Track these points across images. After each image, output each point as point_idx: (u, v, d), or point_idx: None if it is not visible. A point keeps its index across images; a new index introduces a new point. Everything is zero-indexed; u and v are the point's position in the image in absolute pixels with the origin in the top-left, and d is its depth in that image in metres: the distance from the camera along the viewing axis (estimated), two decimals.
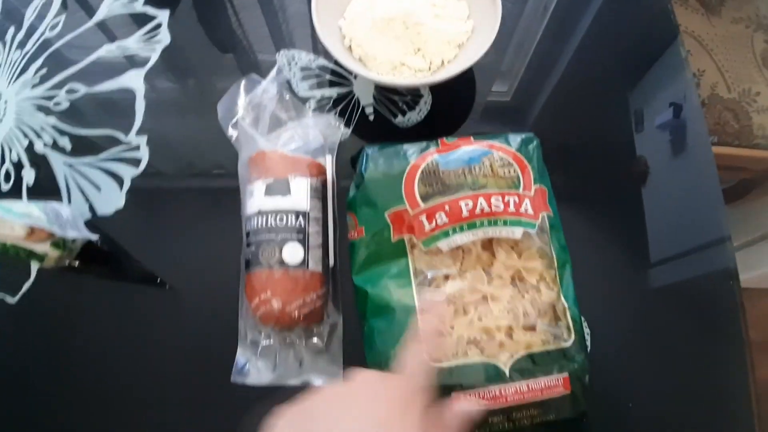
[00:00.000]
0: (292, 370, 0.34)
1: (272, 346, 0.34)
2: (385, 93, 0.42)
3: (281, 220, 0.33)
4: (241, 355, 0.34)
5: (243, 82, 0.38)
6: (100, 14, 0.47)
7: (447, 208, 0.32)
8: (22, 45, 0.47)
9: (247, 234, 0.34)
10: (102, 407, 0.35)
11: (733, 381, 0.35)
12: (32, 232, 0.34)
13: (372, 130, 0.41)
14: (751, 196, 0.87)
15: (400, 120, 0.41)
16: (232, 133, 0.38)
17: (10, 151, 0.43)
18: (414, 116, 0.41)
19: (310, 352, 0.34)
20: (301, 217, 0.33)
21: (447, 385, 0.30)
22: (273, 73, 0.37)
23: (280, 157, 0.34)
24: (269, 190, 0.33)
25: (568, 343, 0.32)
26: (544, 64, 0.44)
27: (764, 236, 0.86)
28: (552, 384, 0.31)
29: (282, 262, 0.32)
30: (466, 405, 0.26)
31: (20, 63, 0.46)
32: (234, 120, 0.38)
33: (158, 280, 0.38)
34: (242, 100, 0.38)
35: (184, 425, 0.34)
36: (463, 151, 0.34)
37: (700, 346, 0.36)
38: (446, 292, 0.32)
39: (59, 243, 0.36)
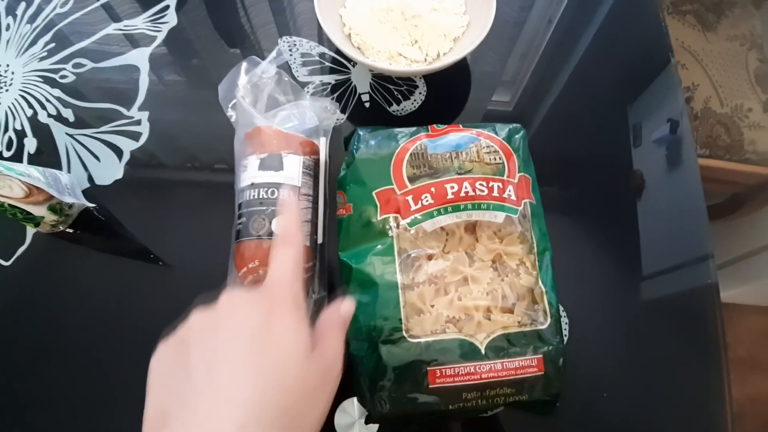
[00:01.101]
0: None
1: None
2: (381, 82, 0.43)
3: (272, 193, 0.34)
4: None
5: (244, 64, 0.40)
6: None
7: (433, 190, 0.34)
8: (32, 19, 0.48)
9: (239, 206, 0.35)
10: (87, 374, 0.36)
11: (710, 391, 0.36)
12: (30, 193, 0.35)
13: (367, 117, 0.42)
14: (742, 211, 0.88)
15: (394, 108, 0.43)
16: (231, 113, 0.39)
17: (14, 119, 0.44)
18: (408, 105, 0.43)
19: None
20: (293, 192, 0.34)
21: (423, 360, 0.31)
22: (273, 54, 0.39)
23: (275, 133, 0.35)
24: (263, 165, 0.34)
25: (544, 326, 0.33)
26: (546, 75, 0.46)
27: (753, 252, 0.87)
28: (526, 364, 0.32)
29: (271, 234, 0.33)
30: (348, 306, 0.26)
31: (29, 36, 0.48)
32: (234, 101, 0.39)
33: (150, 255, 0.39)
34: (242, 81, 0.39)
35: None
36: (451, 136, 0.36)
37: (678, 355, 0.37)
38: (428, 271, 0.33)
39: (56, 207, 0.37)
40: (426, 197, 0.33)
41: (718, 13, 0.75)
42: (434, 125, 0.37)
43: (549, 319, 0.33)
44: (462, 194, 0.33)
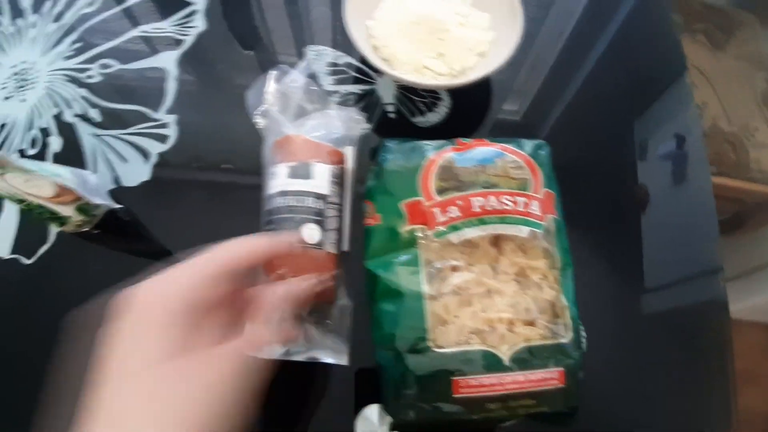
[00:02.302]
0: (300, 346, 0.35)
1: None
2: (406, 93, 0.44)
3: (301, 201, 0.34)
4: None
5: (273, 72, 0.40)
6: None
7: (459, 202, 0.34)
8: (58, 18, 0.49)
9: (268, 212, 0.35)
10: None
11: (716, 405, 0.37)
12: (59, 193, 0.35)
13: (391, 128, 0.43)
14: (745, 228, 0.90)
15: (419, 120, 0.43)
16: (259, 120, 0.40)
17: (40, 117, 0.45)
18: (432, 118, 0.43)
19: (319, 330, 0.35)
20: (320, 200, 0.35)
21: (448, 370, 0.31)
22: (303, 63, 0.39)
23: (304, 142, 0.36)
24: (292, 173, 0.35)
25: (565, 340, 0.33)
26: (556, 86, 0.47)
27: (755, 268, 0.88)
28: (548, 376, 0.32)
29: (302, 241, 0.33)
30: (296, 286, 0.24)
31: (55, 35, 0.48)
32: (262, 108, 0.40)
33: (174, 258, 0.39)
34: (271, 89, 0.40)
35: None
36: (478, 151, 0.36)
37: (685, 371, 0.38)
38: (453, 282, 0.34)
39: (84, 208, 0.37)
40: (453, 210, 0.34)
41: (728, 33, 0.76)
42: (460, 139, 0.37)
43: (570, 333, 0.33)
44: (488, 208, 0.34)
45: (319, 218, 0.34)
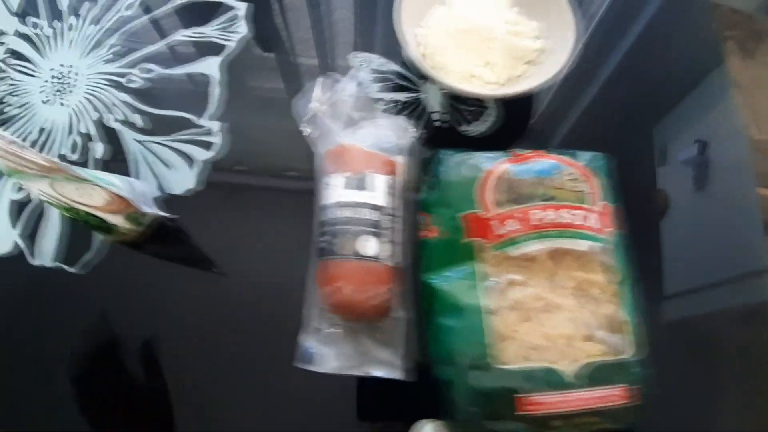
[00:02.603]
0: (355, 360, 0.34)
1: (337, 335, 0.35)
2: (452, 102, 0.44)
3: (358, 213, 0.34)
4: (306, 342, 0.34)
5: (321, 80, 0.40)
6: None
7: (518, 216, 0.34)
8: (96, 21, 0.48)
9: (322, 223, 0.35)
10: (147, 381, 0.36)
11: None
12: (111, 202, 0.35)
13: (438, 136, 0.42)
14: None
15: (465, 129, 0.43)
16: (307, 127, 0.39)
17: (79, 121, 0.44)
18: (479, 127, 0.43)
19: (374, 344, 0.35)
20: (377, 212, 0.34)
21: (511, 387, 0.31)
22: (352, 71, 0.39)
23: (360, 152, 0.35)
24: (348, 184, 0.34)
25: (627, 356, 0.33)
26: (573, 90, 0.46)
27: None
28: (611, 394, 0.32)
29: (357, 254, 0.33)
30: None
31: (94, 38, 0.47)
32: (310, 115, 0.39)
33: (214, 267, 0.39)
34: (320, 96, 0.39)
35: (244, 405, 0.35)
36: (535, 162, 0.36)
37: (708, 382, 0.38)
38: (511, 297, 0.33)
39: (134, 217, 0.36)
40: (512, 223, 0.34)
41: (758, 40, 0.76)
42: (516, 150, 0.37)
43: (632, 349, 0.33)
44: (547, 221, 0.34)
45: (376, 230, 0.34)
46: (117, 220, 0.36)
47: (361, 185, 0.34)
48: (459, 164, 0.36)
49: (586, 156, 0.37)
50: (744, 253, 0.41)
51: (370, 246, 0.33)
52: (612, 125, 0.45)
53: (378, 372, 0.34)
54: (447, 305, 0.33)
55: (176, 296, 0.39)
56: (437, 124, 0.43)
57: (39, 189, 0.33)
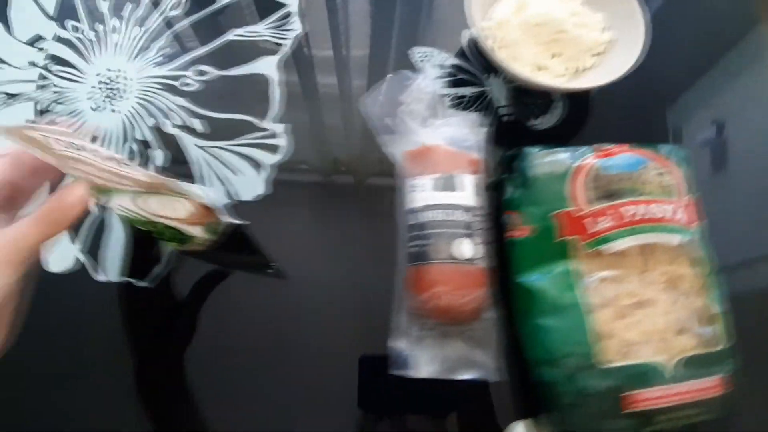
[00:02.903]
0: (451, 363, 0.34)
1: (429, 340, 0.34)
2: (518, 95, 0.43)
3: (451, 215, 0.33)
4: (400, 348, 0.34)
5: (391, 77, 0.39)
6: None
7: (611, 212, 0.33)
8: (141, 22, 0.46)
9: (412, 227, 0.34)
10: (227, 394, 0.35)
11: None
12: (194, 214, 0.34)
13: (506, 131, 0.42)
14: None
15: (533, 123, 0.42)
16: (378, 126, 0.38)
17: (134, 128, 0.43)
18: (547, 120, 0.42)
19: (466, 346, 0.35)
20: (468, 213, 0.34)
21: (617, 385, 0.31)
22: (425, 68, 0.38)
23: (445, 152, 0.34)
24: (437, 185, 0.34)
25: (720, 347, 0.33)
26: None
27: None
28: (708, 385, 0.32)
29: (454, 257, 0.32)
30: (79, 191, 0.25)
31: (140, 40, 0.46)
32: (379, 113, 0.38)
33: (280, 272, 0.38)
34: (393, 95, 0.38)
35: (340, 410, 0.35)
36: (621, 157, 0.35)
37: None
38: (606, 294, 0.33)
39: (212, 227, 0.35)
40: (604, 220, 0.33)
41: None
42: (599, 145, 0.36)
43: (724, 340, 0.33)
44: (638, 217, 0.33)
45: (469, 231, 0.33)
46: (196, 231, 0.35)
47: (450, 186, 0.34)
48: (545, 161, 0.35)
49: (665, 148, 0.37)
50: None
51: (465, 248, 0.33)
52: (625, 105, 0.44)
53: (473, 375, 0.34)
54: (546, 306, 0.33)
55: (246, 304, 0.38)
56: (505, 118, 0.42)
57: (119, 204, 0.32)
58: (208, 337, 0.37)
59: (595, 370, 0.31)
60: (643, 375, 0.31)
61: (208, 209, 0.33)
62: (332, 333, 0.36)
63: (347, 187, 0.41)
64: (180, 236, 0.35)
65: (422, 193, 0.34)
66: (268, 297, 0.38)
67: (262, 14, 0.46)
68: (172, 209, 0.33)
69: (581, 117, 0.43)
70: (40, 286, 0.33)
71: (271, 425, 0.35)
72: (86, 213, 0.29)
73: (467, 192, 0.34)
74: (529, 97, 0.43)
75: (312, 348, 0.36)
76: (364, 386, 0.35)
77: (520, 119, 0.42)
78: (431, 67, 0.38)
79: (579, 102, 0.43)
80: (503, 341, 0.34)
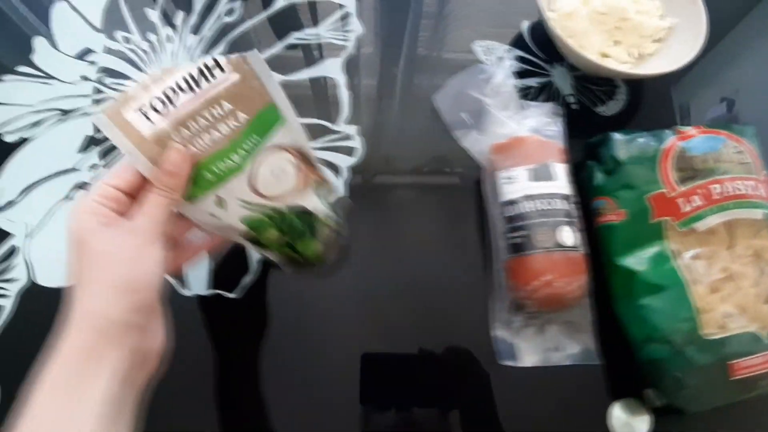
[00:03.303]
0: (553, 350, 0.35)
1: (531, 329, 0.35)
2: (583, 83, 0.44)
3: (551, 204, 0.34)
4: (503, 338, 0.35)
5: (467, 72, 0.39)
6: (281, 0, 0.46)
7: (700, 191, 0.35)
8: (196, 29, 0.45)
9: (511, 219, 0.35)
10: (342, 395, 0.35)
11: None
12: (300, 173, 0.32)
13: (575, 118, 0.42)
14: None
15: (600, 109, 0.43)
16: (452, 121, 0.39)
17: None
18: (613, 106, 0.43)
19: (567, 332, 0.36)
20: (565, 201, 0.34)
21: (723, 356, 0.32)
22: (505, 62, 0.38)
23: (537, 142, 0.35)
24: (534, 176, 0.34)
25: None
26: None
27: None
28: None
29: (560, 245, 0.33)
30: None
31: (198, 48, 0.45)
32: (453, 108, 0.39)
33: (386, 274, 0.37)
34: (466, 89, 0.39)
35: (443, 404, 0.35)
36: (700, 138, 0.37)
37: None
38: (699, 271, 0.34)
39: (322, 190, 0.34)
40: (695, 199, 0.35)
41: None
42: (678, 128, 0.37)
43: None
44: (725, 194, 0.35)
45: (570, 219, 0.34)
46: (312, 202, 0.32)
47: (547, 176, 0.34)
48: (631, 146, 0.36)
49: (737, 128, 0.38)
50: None
51: (569, 236, 0.33)
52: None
53: (576, 360, 0.35)
54: (648, 286, 0.34)
55: (337, 309, 0.38)
56: (573, 106, 0.43)
57: (239, 199, 0.30)
58: (292, 342, 0.37)
59: (700, 342, 0.32)
60: (745, 343, 0.33)
61: (307, 162, 0.32)
62: (434, 329, 0.37)
63: (433, 181, 0.41)
64: (309, 222, 0.32)
65: (519, 184, 0.34)
66: (373, 305, 0.38)
67: (320, 16, 0.45)
68: (282, 173, 0.31)
69: (643, 102, 0.44)
70: None
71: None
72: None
73: (562, 181, 0.35)
74: (594, 85, 0.44)
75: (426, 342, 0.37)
76: (366, 383, 0.35)
77: (588, 106, 0.43)
78: (508, 59, 0.38)
79: (639, 87, 0.44)
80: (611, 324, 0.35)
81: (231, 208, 0.29)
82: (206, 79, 0.27)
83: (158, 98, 0.27)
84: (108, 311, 0.24)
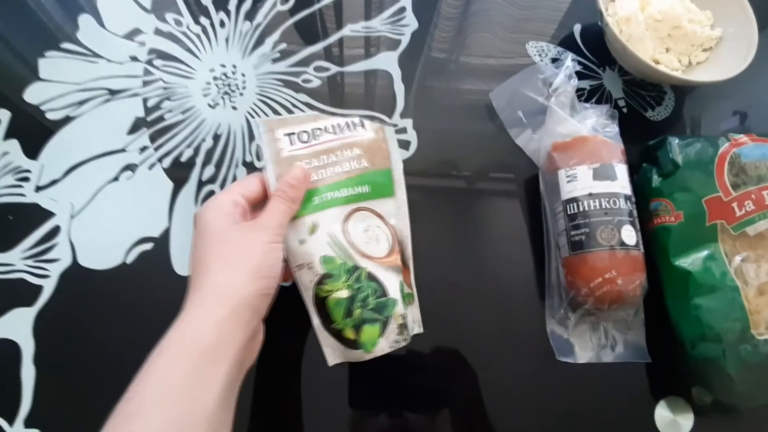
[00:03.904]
0: (606, 348, 0.36)
1: (586, 326, 0.36)
2: (633, 87, 0.45)
3: (614, 203, 0.35)
4: (560, 334, 0.35)
5: (522, 72, 0.40)
6: None
7: (753, 196, 0.36)
8: (250, 16, 0.45)
9: (573, 216, 0.35)
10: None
11: None
12: (392, 251, 0.33)
13: (626, 122, 0.43)
14: None
15: (650, 114, 0.44)
16: (509, 119, 0.39)
17: (258, 126, 0.42)
18: (662, 111, 0.44)
19: (618, 330, 0.36)
20: (627, 201, 0.35)
21: None
22: (567, 64, 0.39)
23: (601, 142, 0.36)
24: (597, 175, 0.35)
25: None
26: None
27: None
28: None
29: (622, 243, 0.34)
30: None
31: (252, 35, 0.45)
32: (510, 106, 0.39)
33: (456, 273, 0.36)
34: (523, 89, 0.39)
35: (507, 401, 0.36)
36: (753, 145, 0.38)
37: None
38: (750, 273, 0.36)
39: (403, 286, 0.33)
40: (748, 204, 0.36)
41: None
42: (732, 134, 0.39)
43: None
44: None
45: (632, 218, 0.35)
46: (392, 284, 0.31)
47: (610, 175, 0.35)
48: (688, 150, 0.37)
49: None
50: None
51: (631, 235, 0.34)
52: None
53: (628, 357, 0.36)
54: (702, 286, 0.35)
55: None
56: (624, 110, 0.44)
57: (328, 233, 0.31)
58: (279, 346, 0.34)
59: (753, 342, 0.33)
60: None
61: (403, 258, 0.33)
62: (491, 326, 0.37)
63: (472, 181, 0.42)
64: (379, 303, 0.31)
65: (582, 182, 0.35)
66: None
67: (376, 9, 0.46)
68: (374, 239, 0.32)
69: (689, 108, 0.46)
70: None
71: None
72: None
73: (624, 181, 0.35)
74: (643, 90, 0.45)
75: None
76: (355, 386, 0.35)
77: (638, 110, 0.44)
78: (569, 60, 0.39)
79: (685, 94, 0.46)
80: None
81: (319, 238, 0.31)
82: (349, 129, 0.34)
83: (306, 132, 0.33)
84: (243, 290, 0.26)
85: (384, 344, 0.31)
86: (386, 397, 0.35)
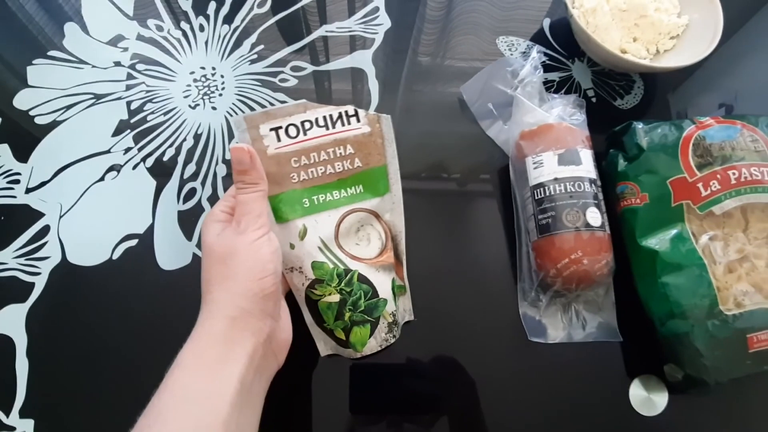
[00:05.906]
0: (577, 328, 0.37)
1: (556, 307, 0.37)
2: (602, 78, 0.46)
3: (579, 186, 0.36)
4: (532, 315, 0.36)
5: (494, 65, 0.41)
6: None
7: (718, 176, 0.37)
8: (228, 20, 0.47)
9: (540, 200, 0.36)
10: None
11: None
12: (384, 249, 0.33)
13: (596, 111, 0.44)
14: None
15: (619, 102, 0.45)
16: (479, 112, 0.40)
17: (237, 125, 0.43)
18: (630, 100, 0.45)
19: (589, 310, 0.37)
20: (592, 185, 0.36)
21: (742, 329, 0.34)
22: (533, 55, 0.40)
23: (566, 129, 0.37)
24: (562, 160, 0.36)
25: None
26: None
27: None
28: None
29: (588, 225, 0.35)
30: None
31: (230, 38, 0.46)
32: (480, 99, 0.40)
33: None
34: (493, 82, 0.40)
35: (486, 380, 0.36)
36: (718, 127, 0.39)
37: None
38: (717, 251, 0.36)
39: (396, 282, 0.34)
40: (713, 184, 0.37)
41: None
42: (697, 117, 0.40)
43: None
44: (742, 180, 0.37)
45: (597, 201, 0.36)
46: (383, 285, 0.32)
47: (575, 160, 0.36)
48: (653, 134, 0.38)
49: (752, 118, 0.40)
50: None
51: (596, 217, 0.35)
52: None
53: (598, 337, 0.37)
54: (669, 265, 0.36)
55: None
56: (593, 99, 0.45)
57: (320, 238, 0.31)
58: None
59: (720, 317, 0.34)
60: (761, 319, 0.35)
61: (396, 253, 0.33)
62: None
63: (446, 172, 0.43)
64: (370, 303, 0.32)
65: (548, 168, 0.36)
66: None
67: (350, 10, 0.47)
68: (366, 238, 0.32)
69: (658, 96, 0.47)
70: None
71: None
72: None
73: (588, 165, 0.36)
74: (612, 80, 0.46)
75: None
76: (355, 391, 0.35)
77: (607, 99, 0.45)
78: (535, 52, 0.40)
79: (654, 83, 0.47)
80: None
81: (309, 243, 0.30)
82: (342, 123, 0.31)
83: (295, 125, 0.30)
84: (241, 301, 0.27)
85: (374, 344, 0.32)
86: (386, 402, 0.35)
